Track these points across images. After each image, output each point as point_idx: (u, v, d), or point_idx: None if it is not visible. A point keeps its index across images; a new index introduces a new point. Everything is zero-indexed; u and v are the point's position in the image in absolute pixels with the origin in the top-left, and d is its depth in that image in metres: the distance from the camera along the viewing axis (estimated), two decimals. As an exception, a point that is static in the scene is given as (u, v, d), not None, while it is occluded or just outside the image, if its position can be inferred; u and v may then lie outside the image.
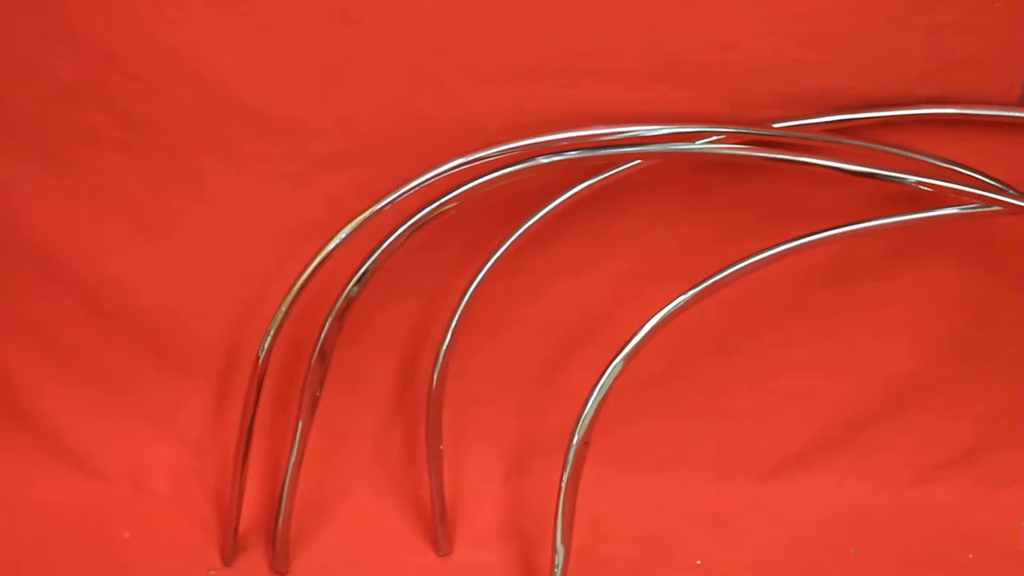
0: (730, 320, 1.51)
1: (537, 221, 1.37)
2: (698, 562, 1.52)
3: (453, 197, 1.31)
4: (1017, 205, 1.30)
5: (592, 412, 1.31)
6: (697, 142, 1.31)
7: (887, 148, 1.35)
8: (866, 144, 1.35)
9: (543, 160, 1.29)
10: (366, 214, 1.30)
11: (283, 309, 1.35)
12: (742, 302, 1.49)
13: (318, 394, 1.41)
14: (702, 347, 1.54)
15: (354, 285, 1.34)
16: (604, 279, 1.50)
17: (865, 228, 1.35)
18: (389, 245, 1.33)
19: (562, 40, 1.32)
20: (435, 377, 1.42)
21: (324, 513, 1.56)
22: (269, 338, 1.36)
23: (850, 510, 1.59)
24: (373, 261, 1.33)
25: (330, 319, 1.36)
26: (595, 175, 1.35)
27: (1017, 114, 1.35)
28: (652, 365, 1.50)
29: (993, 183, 1.33)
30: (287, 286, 1.34)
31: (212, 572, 1.45)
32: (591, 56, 1.32)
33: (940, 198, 1.33)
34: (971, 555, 1.54)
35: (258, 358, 1.37)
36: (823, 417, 1.59)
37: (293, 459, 1.42)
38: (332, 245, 1.31)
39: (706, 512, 1.57)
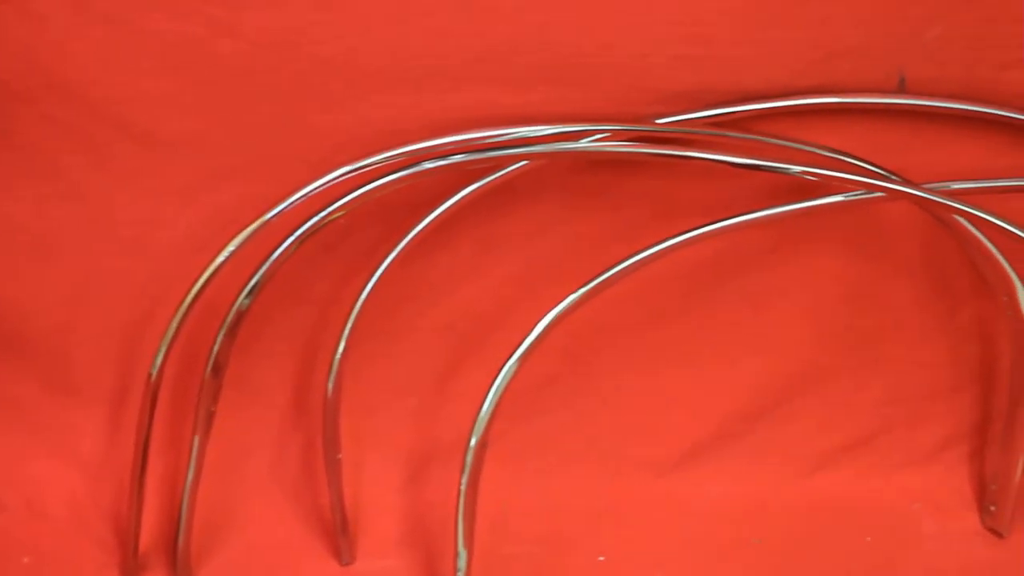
0: (622, 316, 1.55)
1: (426, 226, 1.39)
2: (601, 558, 1.55)
3: (341, 206, 1.33)
4: (900, 191, 1.34)
5: (488, 414, 1.33)
6: (582, 141, 1.33)
7: (771, 139, 1.38)
8: (749, 136, 1.38)
9: (429, 165, 1.31)
10: (253, 226, 1.31)
11: (174, 325, 1.36)
12: (634, 298, 1.52)
13: (213, 409, 1.42)
14: (595, 344, 1.57)
15: (245, 297, 1.35)
16: (495, 282, 1.52)
17: (752, 220, 1.38)
18: (279, 256, 1.34)
19: (445, 45, 1.35)
20: (330, 386, 1.43)
21: (225, 528, 1.56)
22: (161, 355, 1.37)
23: (750, 500, 1.63)
24: (263, 273, 1.34)
25: (222, 333, 1.37)
26: (482, 178, 1.37)
27: (897, 101, 1.39)
28: (547, 364, 1.53)
29: (876, 170, 1.37)
30: (178, 302, 1.34)
31: (113, 592, 1.43)
32: (474, 61, 1.35)
33: (825, 187, 1.37)
34: (870, 538, 1.58)
35: (151, 375, 1.38)
36: (719, 409, 1.63)
37: (191, 475, 1.43)
38: (221, 259, 1.32)
39: (608, 508, 1.60)
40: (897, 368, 1.63)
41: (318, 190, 1.30)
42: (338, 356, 1.42)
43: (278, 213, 1.30)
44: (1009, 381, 1.55)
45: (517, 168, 1.37)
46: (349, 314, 1.41)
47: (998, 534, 1.59)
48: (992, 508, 1.60)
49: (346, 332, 1.42)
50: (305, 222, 1.33)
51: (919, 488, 1.67)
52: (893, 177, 1.37)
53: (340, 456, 1.49)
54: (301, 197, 1.30)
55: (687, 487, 1.64)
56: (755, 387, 1.62)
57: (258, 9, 1.32)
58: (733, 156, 1.32)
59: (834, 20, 1.34)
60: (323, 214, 1.33)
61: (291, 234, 1.33)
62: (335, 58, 1.35)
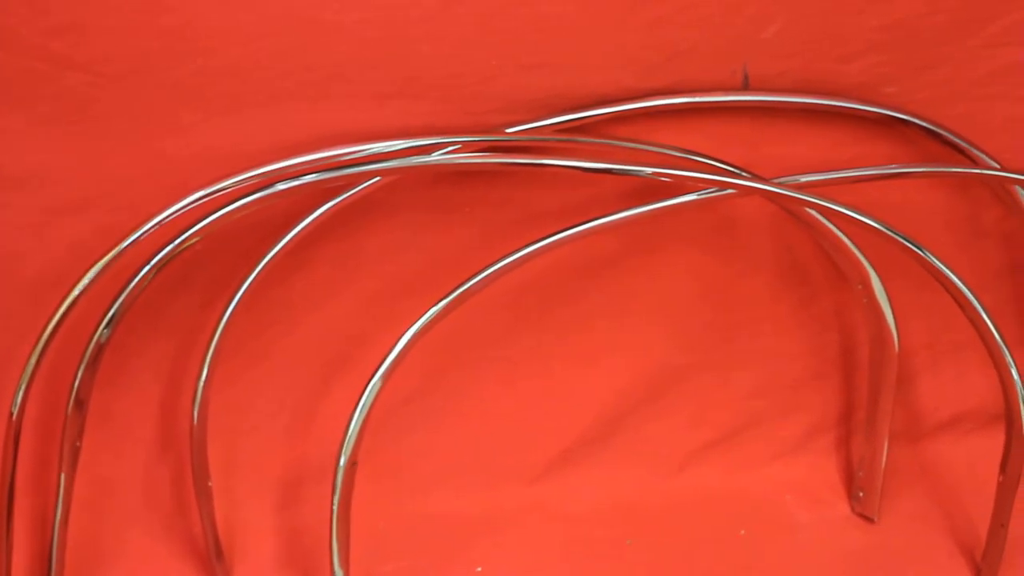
0: (484, 327, 1.59)
1: (283, 247, 1.40)
2: (478, 569, 1.58)
3: (196, 231, 1.34)
4: (750, 187, 1.39)
5: (356, 432, 1.35)
6: (434, 154, 1.35)
7: (621, 143, 1.43)
8: (600, 140, 1.43)
9: (282, 186, 1.32)
10: (108, 257, 1.31)
11: (32, 361, 1.35)
12: (495, 307, 1.56)
13: (79, 444, 1.42)
14: (459, 356, 1.61)
15: (104, 328, 1.36)
16: (357, 299, 1.55)
17: (607, 223, 1.41)
18: (136, 285, 1.35)
19: (291, 65, 1.37)
20: (195, 414, 1.44)
21: (98, 564, 1.56)
22: (21, 392, 1.36)
23: (623, 501, 1.68)
24: (121, 303, 1.35)
25: (82, 366, 1.37)
26: (337, 196, 1.39)
27: (742, 98, 1.45)
28: (413, 379, 1.57)
29: (726, 167, 1.42)
30: (36, 338, 1.33)
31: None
32: (322, 80, 1.38)
33: (678, 186, 1.41)
34: (743, 531, 1.64)
35: (11, 414, 1.37)
36: (587, 413, 1.67)
37: (59, 513, 1.43)
38: (77, 291, 1.32)
39: (482, 519, 1.63)
40: (759, 362, 1.69)
41: (172, 217, 1.30)
42: (201, 383, 1.43)
43: (133, 242, 1.30)
44: (869, 369, 1.61)
45: (372, 184, 1.39)
46: (211, 340, 1.42)
47: (868, 519, 1.66)
48: (860, 494, 1.65)
49: (208, 358, 1.42)
50: (161, 250, 1.34)
51: (789, 479, 1.73)
52: (743, 173, 1.41)
53: (210, 483, 1.50)
54: (155, 225, 1.30)
55: (558, 493, 1.68)
56: (619, 389, 1.67)
57: (101, 40, 1.33)
58: (585, 161, 1.35)
59: (668, 21, 1.39)
60: (179, 240, 1.34)
61: (147, 262, 1.34)
62: (183, 83, 1.36)
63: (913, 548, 1.60)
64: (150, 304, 1.44)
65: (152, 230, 1.30)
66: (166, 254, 1.34)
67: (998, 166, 1.44)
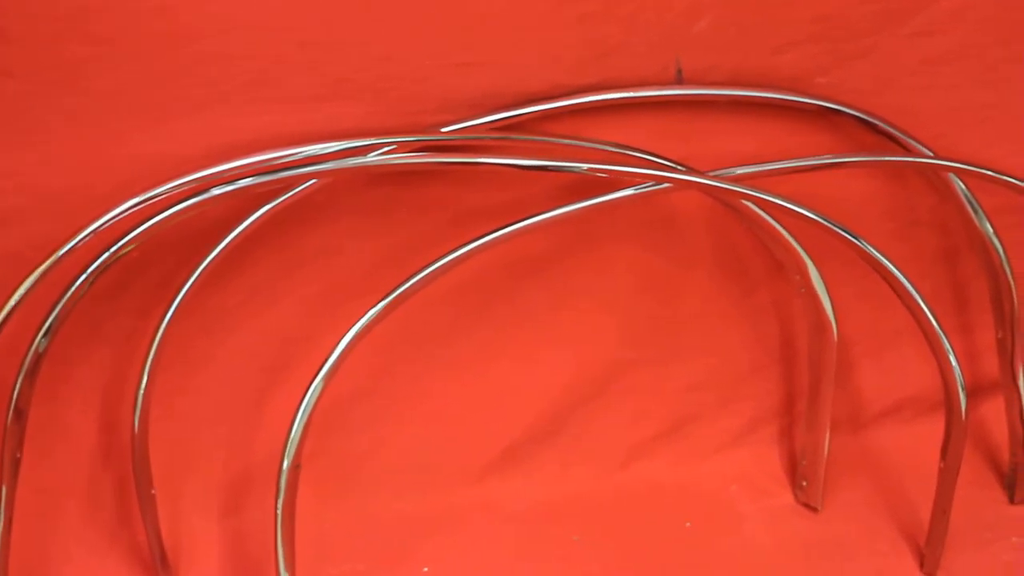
0: (425, 327, 1.60)
1: (220, 252, 1.40)
2: (425, 570, 1.59)
3: (131, 239, 1.34)
4: (686, 180, 1.41)
5: (298, 435, 1.35)
6: (370, 155, 1.36)
7: (557, 140, 1.44)
8: (536, 138, 1.44)
9: (217, 191, 1.32)
10: (44, 266, 1.31)
11: None
12: (436, 306, 1.57)
13: (19, 455, 1.41)
14: (401, 357, 1.61)
15: (41, 338, 1.35)
16: (296, 302, 1.55)
17: (545, 220, 1.42)
18: (72, 294, 1.35)
19: (226, 70, 1.37)
20: (136, 422, 1.44)
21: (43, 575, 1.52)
22: None
23: (568, 497, 1.69)
24: (58, 313, 1.35)
25: (21, 377, 1.37)
26: (272, 200, 1.40)
27: (675, 92, 1.46)
28: (355, 380, 1.57)
29: (662, 161, 1.43)
30: None
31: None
32: (251, 84, 1.38)
33: (615, 182, 1.42)
34: (689, 523, 1.66)
35: None
36: (531, 410, 1.68)
37: (1, 525, 1.41)
38: (13, 301, 1.32)
39: (428, 519, 1.65)
40: (701, 354, 1.71)
41: (107, 225, 1.30)
42: (142, 391, 1.43)
43: (69, 251, 1.30)
44: (809, 358, 1.63)
45: (307, 187, 1.40)
46: (150, 348, 1.42)
47: (812, 508, 1.68)
48: (804, 484, 1.68)
49: (148, 366, 1.43)
50: (97, 258, 1.34)
51: (733, 470, 1.75)
52: (679, 167, 1.43)
53: (154, 491, 1.50)
54: (90, 233, 1.30)
55: (504, 491, 1.70)
56: (563, 385, 1.68)
57: (29, 48, 1.33)
58: (521, 159, 1.37)
59: (599, 17, 1.40)
60: (114, 248, 1.34)
61: (83, 271, 1.34)
62: (113, 91, 1.36)
63: (857, 536, 1.62)
64: (88, 313, 1.44)
65: (87, 239, 1.30)
66: (102, 262, 1.34)
67: (931, 154, 1.46)
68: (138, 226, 1.34)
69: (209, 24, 1.33)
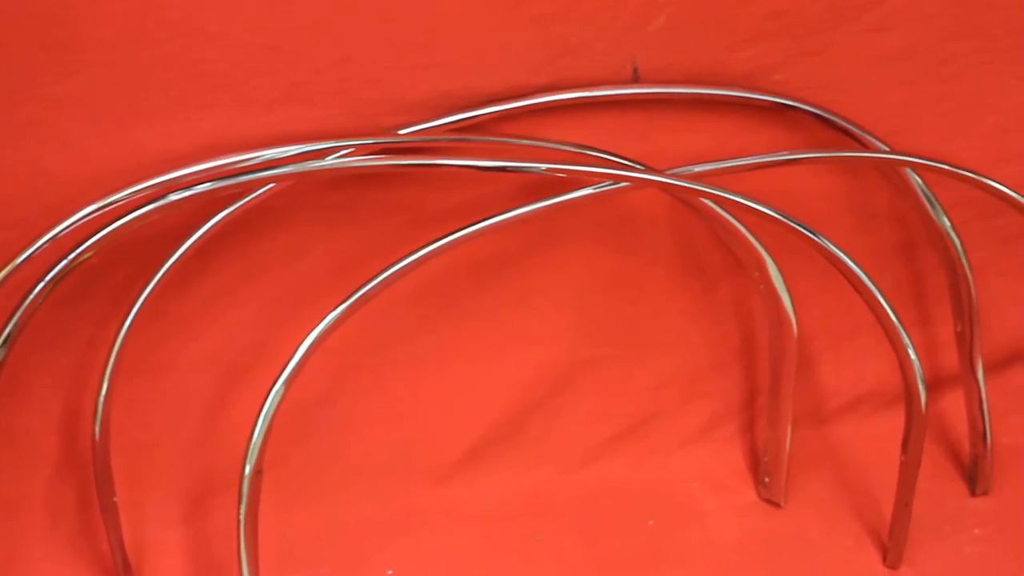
0: (386, 329, 1.60)
1: (179, 258, 1.40)
2: (390, 572, 1.59)
3: (90, 246, 1.34)
4: (644, 179, 1.42)
5: (260, 441, 1.35)
6: (328, 158, 1.36)
7: (515, 140, 1.45)
8: (493, 139, 1.44)
9: (175, 196, 1.32)
10: (2, 275, 1.30)
11: None
12: (397, 309, 1.57)
13: (-22, 465, 1.34)
14: (362, 360, 1.62)
15: (0, 347, 1.35)
16: (257, 306, 1.55)
17: (505, 220, 1.43)
18: (30, 303, 1.34)
19: (182, 75, 1.38)
20: (97, 429, 1.44)
21: (6, 587, 1.47)
22: None
23: (530, 498, 1.69)
24: (16, 322, 1.35)
25: (-20, 387, 1.30)
26: (231, 204, 1.39)
27: (632, 91, 1.47)
28: (316, 384, 1.58)
29: (620, 160, 1.44)
30: None
31: None
32: (212, 88, 1.38)
33: (574, 182, 1.43)
34: (652, 521, 1.66)
35: None
36: (492, 410, 1.69)
37: None
38: None
39: (392, 521, 1.65)
40: (661, 352, 1.71)
41: (65, 232, 1.30)
42: (102, 398, 1.43)
43: (27, 259, 1.30)
44: (769, 354, 1.63)
45: (266, 191, 1.40)
46: (110, 355, 1.42)
47: (775, 504, 1.69)
48: (767, 480, 1.68)
49: (108, 373, 1.42)
50: (55, 265, 1.34)
51: (695, 467, 1.76)
52: (637, 166, 1.44)
53: (115, 499, 1.50)
54: (48, 241, 1.29)
55: (467, 491, 1.70)
56: (524, 384, 1.68)
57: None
58: (479, 160, 1.37)
59: (555, 18, 1.41)
60: (72, 256, 1.34)
61: (42, 279, 1.34)
62: (68, 97, 1.36)
63: (820, 531, 1.63)
64: (47, 320, 1.43)
65: (45, 246, 1.29)
66: (60, 269, 1.34)
67: (887, 149, 1.48)
68: (96, 232, 1.34)
69: (165, 29, 1.33)
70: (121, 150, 1.39)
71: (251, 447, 1.36)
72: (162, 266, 1.41)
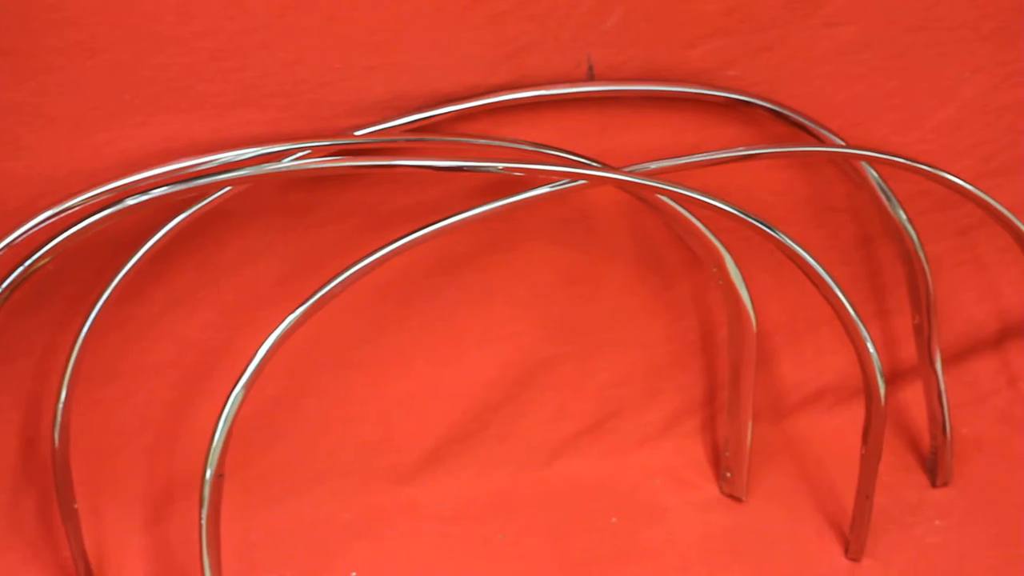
0: (345, 330, 1.60)
1: (137, 263, 1.40)
2: (353, 574, 1.59)
3: (46, 252, 1.33)
4: (601, 176, 1.42)
5: (220, 444, 1.35)
6: (284, 160, 1.36)
7: (471, 140, 1.45)
8: (449, 139, 1.44)
9: (132, 201, 1.32)
10: None
11: None
12: (357, 310, 1.58)
13: (-62, 474, 1.33)
14: (324, 360, 1.62)
15: None
16: (215, 310, 1.55)
17: (462, 220, 1.43)
18: (-13, 311, 1.27)
19: (135, 80, 1.37)
20: (56, 436, 1.43)
21: (-34, 598, 1.47)
22: None
23: (493, 497, 1.70)
24: (-28, 330, 1.28)
25: (-63, 395, 1.29)
26: (188, 208, 1.39)
27: (587, 89, 1.47)
28: (277, 387, 1.58)
29: (576, 158, 1.44)
30: None
31: None
32: (165, 93, 1.38)
33: (531, 180, 1.44)
34: (615, 519, 1.67)
35: None
36: (453, 410, 1.69)
37: None
38: None
39: (355, 523, 1.65)
40: (622, 349, 1.72)
41: (20, 239, 1.29)
42: (61, 404, 1.42)
43: (-19, 267, 1.22)
44: (729, 350, 1.64)
45: (223, 195, 1.39)
46: (68, 361, 1.42)
47: (737, 499, 1.70)
48: (728, 475, 1.69)
49: (66, 379, 1.42)
50: (11, 272, 1.33)
51: (657, 464, 1.76)
52: (593, 164, 1.44)
53: (76, 506, 1.49)
54: (3, 248, 1.29)
55: (430, 492, 1.70)
56: (485, 384, 1.69)
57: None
58: (436, 160, 1.38)
59: (509, 16, 1.41)
60: (29, 262, 1.33)
61: (-3, 287, 1.27)
62: (21, 103, 1.35)
63: (782, 525, 1.63)
64: (4, 328, 1.43)
65: (1, 252, 1.28)
66: (17, 276, 1.34)
67: (843, 143, 1.48)
68: (53, 239, 1.33)
69: (118, 35, 1.33)
70: (76, 155, 1.39)
71: (212, 451, 1.36)
72: (119, 271, 1.40)
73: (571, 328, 1.68)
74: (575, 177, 1.42)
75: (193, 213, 1.40)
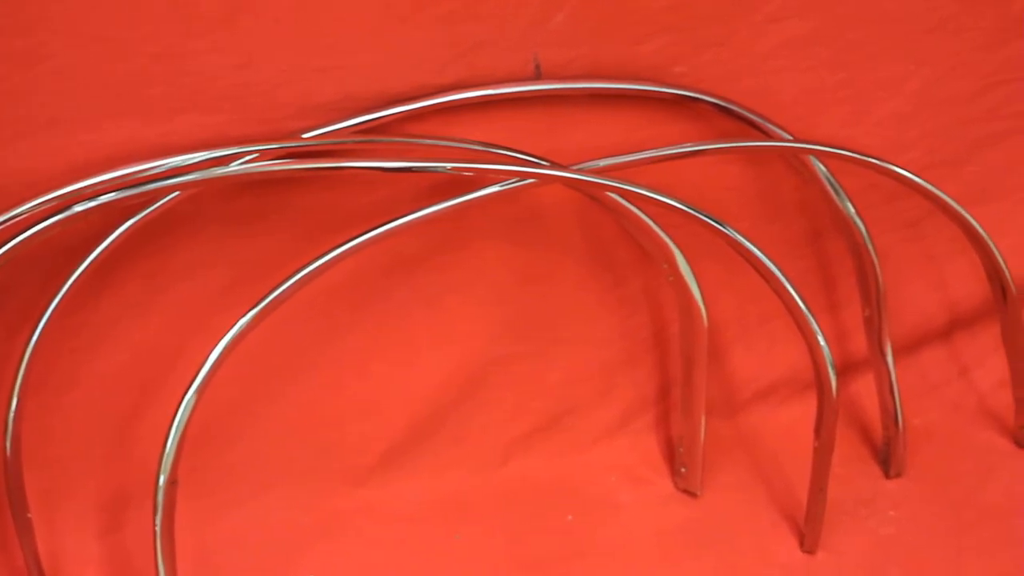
0: (298, 334, 1.60)
1: (86, 269, 1.40)
2: (311, 577, 1.51)
3: (-7, 261, 1.26)
4: (550, 175, 1.42)
5: (173, 450, 1.35)
6: (233, 164, 1.36)
7: (419, 140, 1.45)
8: (398, 139, 1.45)
9: (79, 208, 1.31)
10: None
11: None
12: (310, 312, 1.58)
13: None
14: (275, 365, 1.62)
15: None
16: (167, 315, 1.54)
17: (412, 221, 1.44)
18: (-65, 320, 1.27)
19: (78, 85, 1.36)
20: (7, 446, 1.43)
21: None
22: None
23: (448, 498, 1.70)
24: (-79, 340, 1.27)
25: None
26: (137, 213, 1.39)
27: (535, 88, 1.48)
28: (230, 391, 1.57)
29: (525, 157, 1.44)
30: None
31: None
32: (111, 98, 1.37)
33: (481, 180, 1.44)
34: (571, 517, 1.68)
35: None
36: (408, 411, 1.69)
37: None
38: None
39: (311, 526, 1.65)
40: (574, 347, 1.72)
41: (-33, 248, 1.22)
42: (12, 414, 1.42)
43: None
44: (681, 345, 1.64)
45: (172, 199, 1.39)
46: (18, 370, 1.41)
47: (692, 494, 1.71)
48: (683, 470, 1.70)
49: (17, 388, 1.41)
50: (-42, 283, 1.26)
51: (612, 461, 1.77)
52: (542, 162, 1.44)
53: (30, 515, 1.49)
54: (-50, 258, 1.22)
55: (385, 493, 1.71)
56: (438, 384, 1.69)
57: None
58: (385, 161, 1.38)
59: (457, 16, 1.41)
60: (-25, 272, 1.26)
61: (-56, 297, 1.26)
62: (-35, 110, 1.28)
63: (737, 519, 1.64)
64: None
65: (-54, 263, 1.22)
66: (-36, 286, 1.26)
67: (791, 137, 1.49)
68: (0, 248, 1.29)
69: (62, 39, 1.33)
70: (22, 162, 1.38)
71: (165, 457, 1.36)
72: (68, 279, 1.40)
73: (524, 327, 1.69)
74: (524, 176, 1.42)
75: (142, 218, 1.40)
